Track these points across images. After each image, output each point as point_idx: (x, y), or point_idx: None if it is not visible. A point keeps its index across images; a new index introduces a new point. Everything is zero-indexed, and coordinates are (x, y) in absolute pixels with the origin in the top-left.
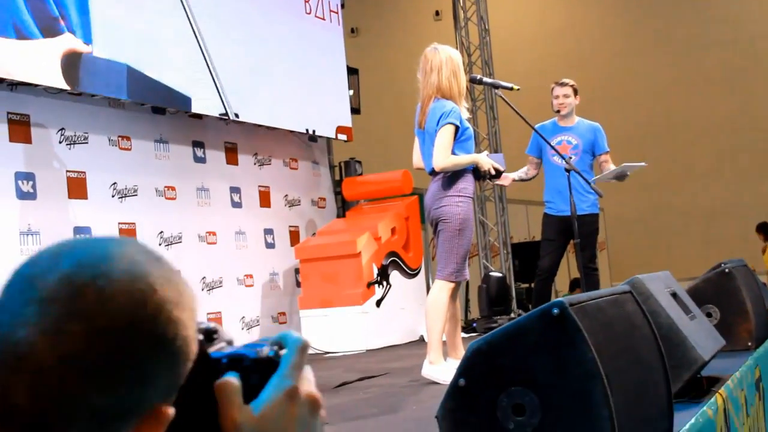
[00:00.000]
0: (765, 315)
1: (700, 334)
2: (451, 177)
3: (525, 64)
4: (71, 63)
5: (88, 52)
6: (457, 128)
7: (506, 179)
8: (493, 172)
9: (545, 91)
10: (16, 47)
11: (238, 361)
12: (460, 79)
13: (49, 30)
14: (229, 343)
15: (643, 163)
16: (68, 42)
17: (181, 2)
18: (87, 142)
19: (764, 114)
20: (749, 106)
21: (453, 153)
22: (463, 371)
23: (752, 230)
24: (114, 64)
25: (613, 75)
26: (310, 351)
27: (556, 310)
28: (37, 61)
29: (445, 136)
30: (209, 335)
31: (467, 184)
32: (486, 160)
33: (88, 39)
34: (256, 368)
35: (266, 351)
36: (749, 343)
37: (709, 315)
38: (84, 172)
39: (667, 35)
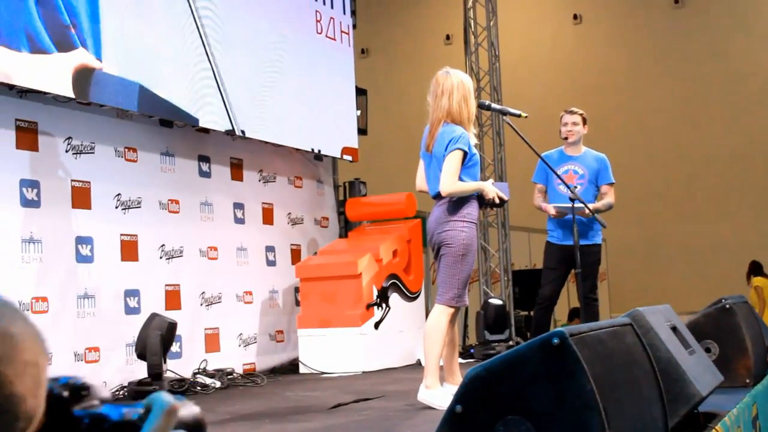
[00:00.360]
0: (764, 352)
1: (699, 369)
2: (457, 202)
3: (533, 92)
4: (83, 77)
5: (99, 68)
6: (465, 154)
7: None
8: (497, 200)
9: (552, 119)
10: (29, 60)
11: (99, 422)
12: (471, 104)
13: (63, 44)
14: (102, 402)
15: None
16: (81, 57)
17: (193, 18)
18: (93, 152)
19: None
20: (754, 142)
21: (460, 179)
22: (460, 397)
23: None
24: (126, 81)
25: (619, 106)
26: (306, 370)
27: (556, 340)
28: (49, 72)
29: (453, 161)
30: (77, 392)
31: (472, 209)
32: (491, 189)
33: (98, 51)
34: (116, 431)
35: (131, 414)
36: (747, 380)
37: (708, 350)
38: (89, 182)
39: (674, 69)
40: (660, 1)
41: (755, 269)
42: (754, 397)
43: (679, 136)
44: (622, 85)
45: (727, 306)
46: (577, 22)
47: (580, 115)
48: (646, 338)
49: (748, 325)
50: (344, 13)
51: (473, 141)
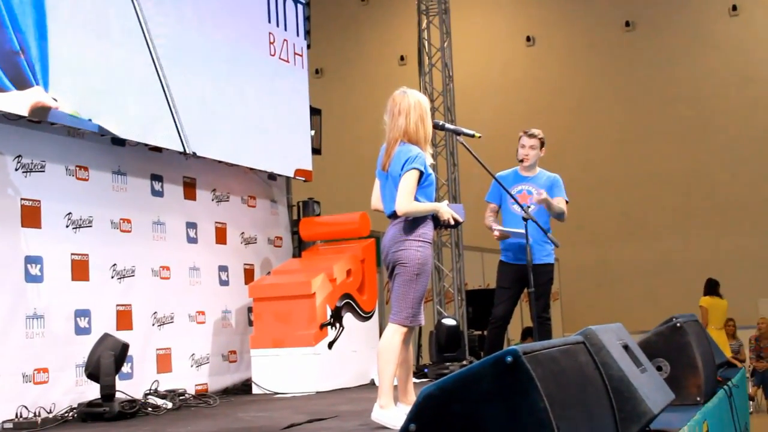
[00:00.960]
0: (714, 371)
1: (651, 387)
2: (413, 222)
3: (486, 113)
4: (39, 115)
5: (55, 107)
6: (421, 174)
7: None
8: (452, 222)
9: (506, 139)
10: None
11: None
12: (427, 124)
13: (18, 81)
14: None
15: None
16: (37, 95)
17: (145, 38)
18: (44, 171)
19: (718, 172)
20: (704, 163)
21: (416, 198)
22: (414, 416)
23: (703, 286)
24: (82, 120)
25: (572, 127)
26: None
27: (509, 358)
28: (6, 108)
29: (409, 181)
30: None
31: (427, 229)
32: (446, 210)
33: (46, 82)
34: None
35: None
36: (698, 398)
37: (659, 368)
38: (39, 201)
39: (626, 90)
40: (612, 24)
41: (710, 288)
42: (704, 414)
43: (631, 156)
44: (575, 107)
45: (678, 325)
46: (530, 44)
47: (539, 139)
48: (598, 356)
49: (698, 344)
50: (297, 35)
51: (429, 161)
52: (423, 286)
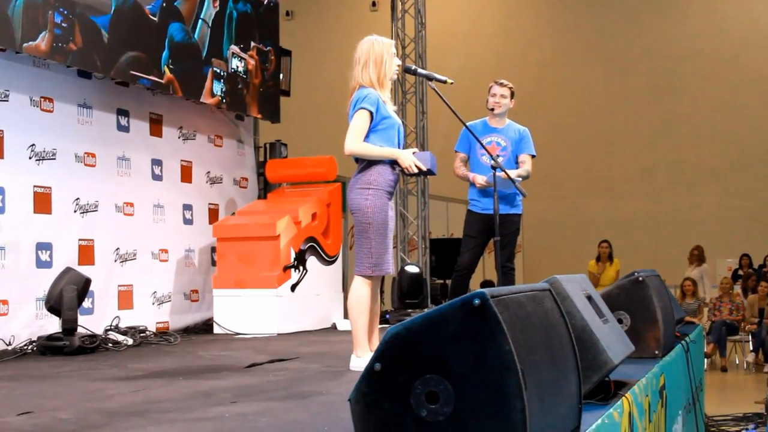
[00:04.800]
0: (674, 326)
1: (612, 338)
2: (365, 168)
3: (457, 62)
4: None
5: None
6: (372, 114)
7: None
8: (414, 170)
9: (475, 89)
10: None
11: None
12: (383, 66)
13: None
14: None
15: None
16: None
17: None
18: (7, 100)
19: (684, 131)
20: (670, 122)
21: (371, 142)
22: (379, 356)
23: (666, 243)
24: None
25: (541, 80)
26: (221, 331)
27: (477, 301)
28: None
29: (357, 120)
30: None
31: (380, 176)
32: (408, 157)
33: None
34: None
35: None
36: (656, 351)
37: (620, 321)
38: (2, 131)
39: (596, 47)
40: None
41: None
42: (662, 368)
43: (598, 113)
44: (545, 61)
45: (640, 279)
46: None
47: (509, 88)
48: (563, 305)
49: (659, 299)
50: None
51: (390, 106)
52: (380, 235)
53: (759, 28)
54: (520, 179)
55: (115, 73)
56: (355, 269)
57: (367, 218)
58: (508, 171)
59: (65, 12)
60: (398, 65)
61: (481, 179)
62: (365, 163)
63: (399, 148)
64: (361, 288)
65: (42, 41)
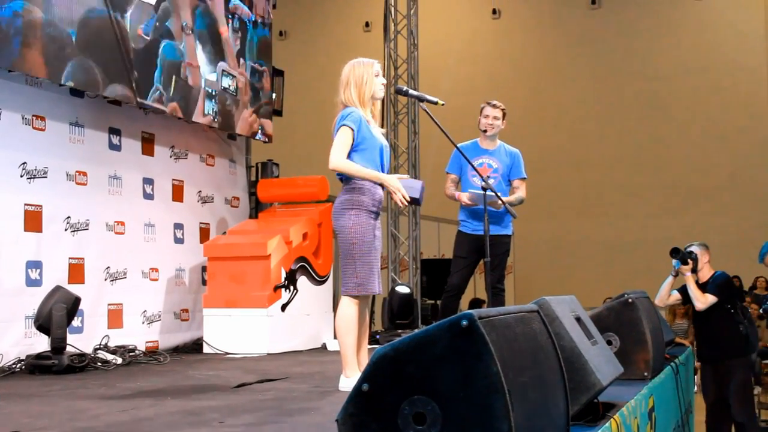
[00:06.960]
0: (663, 347)
1: (600, 359)
2: (350, 188)
3: (449, 82)
4: None
5: None
6: (353, 132)
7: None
8: (400, 199)
9: (467, 110)
10: None
11: None
12: (364, 86)
13: None
14: None
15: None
16: None
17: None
18: None
19: (673, 153)
20: (660, 143)
21: (352, 160)
22: (367, 376)
23: (655, 264)
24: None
25: (533, 101)
26: (210, 350)
27: (465, 322)
28: None
29: (339, 136)
30: None
31: (364, 196)
32: (394, 184)
33: None
34: None
35: None
36: (645, 373)
37: (609, 342)
38: None
39: (588, 68)
40: (578, 1)
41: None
42: (651, 389)
43: (589, 134)
44: (537, 82)
45: (630, 300)
46: (496, 17)
47: (502, 110)
48: (551, 326)
49: (648, 320)
50: None
51: (375, 126)
52: (365, 255)
53: (750, 50)
54: (515, 204)
55: (109, 92)
56: (341, 289)
57: (351, 238)
58: (502, 198)
59: (57, 30)
60: (383, 84)
61: (465, 197)
62: (350, 184)
63: (382, 170)
64: (347, 308)
65: (35, 60)
